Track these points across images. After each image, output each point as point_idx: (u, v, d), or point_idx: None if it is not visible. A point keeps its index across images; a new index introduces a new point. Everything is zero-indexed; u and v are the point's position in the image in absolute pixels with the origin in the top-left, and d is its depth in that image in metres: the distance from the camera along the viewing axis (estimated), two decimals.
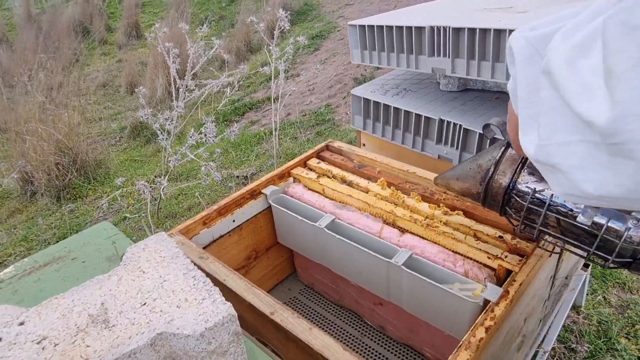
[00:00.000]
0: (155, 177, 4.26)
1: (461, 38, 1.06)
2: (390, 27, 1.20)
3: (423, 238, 0.97)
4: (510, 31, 0.96)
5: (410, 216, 1.00)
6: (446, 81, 1.29)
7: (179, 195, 3.68)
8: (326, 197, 1.14)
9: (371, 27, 1.25)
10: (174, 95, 3.55)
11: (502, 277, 0.88)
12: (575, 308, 1.82)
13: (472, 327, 0.74)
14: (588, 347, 1.66)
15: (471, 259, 0.91)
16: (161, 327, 0.51)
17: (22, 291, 0.72)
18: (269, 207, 1.17)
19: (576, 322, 1.78)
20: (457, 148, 1.18)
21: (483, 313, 0.77)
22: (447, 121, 1.17)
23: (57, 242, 3.66)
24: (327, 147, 1.30)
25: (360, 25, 1.28)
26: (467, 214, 1.00)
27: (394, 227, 1.01)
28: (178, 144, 4.23)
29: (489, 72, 1.03)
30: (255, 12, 9.47)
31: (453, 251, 0.93)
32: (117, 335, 0.51)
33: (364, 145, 1.46)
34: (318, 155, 1.28)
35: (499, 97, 1.26)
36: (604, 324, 1.77)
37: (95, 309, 0.55)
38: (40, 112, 4.75)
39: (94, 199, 4.46)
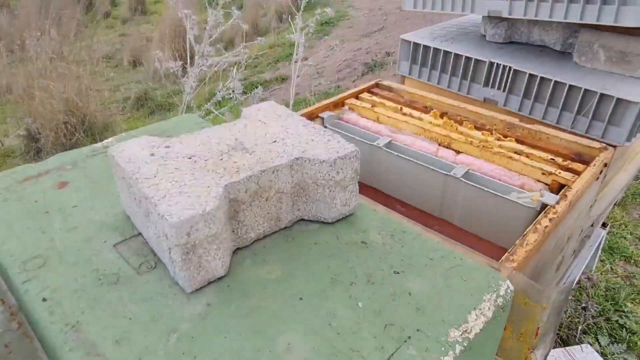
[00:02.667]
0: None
1: None
2: None
3: (478, 158, 1.04)
4: None
5: (465, 139, 1.07)
6: (493, 32, 1.36)
7: None
8: (381, 123, 1.20)
9: None
10: (188, 62, 3.58)
11: (555, 191, 0.95)
12: (586, 274, 1.91)
13: (535, 221, 0.81)
14: (597, 307, 1.75)
15: (526, 175, 0.98)
16: (298, 154, 0.57)
17: None
18: None
19: (588, 280, 1.87)
20: (504, 90, 1.25)
21: (544, 212, 0.84)
22: (497, 63, 1.24)
23: None
24: (377, 85, 1.36)
25: None
26: (519, 141, 1.07)
27: (450, 149, 1.08)
28: (188, 111, 4.25)
29: (547, 11, 1.10)
30: None
31: (508, 169, 1.00)
32: (259, 157, 0.57)
33: None
34: (369, 91, 1.34)
35: (543, 50, 1.33)
36: (611, 290, 1.86)
37: (231, 141, 0.60)
38: (51, 70, 4.73)
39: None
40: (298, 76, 3.57)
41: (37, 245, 0.57)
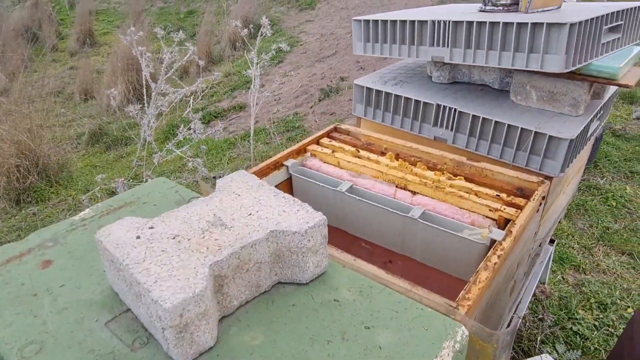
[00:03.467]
0: (126, 178, 4.23)
1: (459, 30, 1.25)
2: (393, 22, 1.38)
3: (432, 198, 1.13)
4: (505, 23, 1.16)
5: (420, 180, 1.16)
6: (438, 74, 1.48)
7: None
8: (342, 168, 1.28)
9: (375, 21, 1.43)
10: (145, 99, 3.58)
11: (502, 226, 1.06)
12: (539, 287, 2.04)
13: (485, 259, 0.90)
14: (553, 317, 1.89)
15: (475, 212, 1.08)
16: (272, 227, 0.64)
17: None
18: (289, 178, 1.30)
19: (542, 292, 2.01)
20: (451, 130, 1.37)
21: (492, 248, 0.93)
22: (444, 106, 1.36)
23: None
24: (335, 129, 1.45)
25: (365, 20, 1.45)
26: (467, 179, 1.17)
27: (406, 190, 1.17)
28: (148, 149, 4.21)
29: (483, 58, 1.22)
30: (216, 25, 9.53)
31: (459, 207, 1.10)
32: (238, 233, 0.63)
33: None
34: (328, 135, 1.42)
35: (483, 89, 1.46)
36: (564, 299, 2.01)
37: (210, 217, 0.66)
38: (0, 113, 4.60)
39: (58, 202, 4.35)
40: (257, 112, 3.64)
41: (31, 331, 0.60)
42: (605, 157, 3.06)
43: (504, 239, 0.94)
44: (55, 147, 5.60)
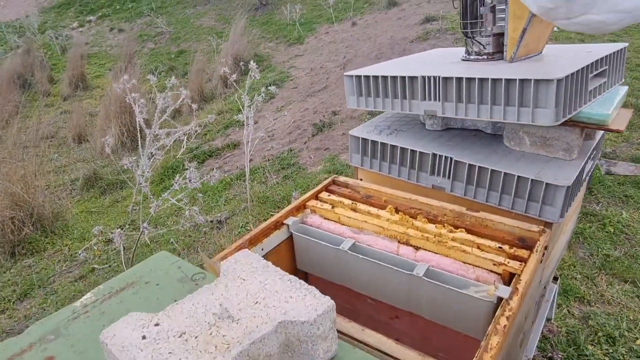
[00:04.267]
0: (122, 226, 4.21)
1: (449, 85, 1.27)
2: (384, 77, 1.41)
3: (436, 253, 1.13)
4: (493, 80, 1.18)
5: (421, 235, 1.16)
6: (431, 122, 1.50)
7: (150, 242, 3.64)
8: (343, 224, 1.28)
9: (367, 77, 1.46)
10: (139, 144, 3.61)
11: (507, 280, 1.05)
12: (547, 325, 2.02)
13: (494, 320, 0.89)
14: (562, 355, 1.86)
15: (479, 267, 1.08)
16: (280, 317, 0.63)
17: (110, 312, 0.80)
18: (290, 237, 1.30)
19: (550, 331, 1.99)
20: (448, 178, 1.38)
21: (500, 308, 0.93)
22: (439, 155, 1.37)
23: (19, 299, 3.48)
24: (333, 182, 1.46)
25: (356, 76, 1.48)
26: (469, 231, 1.17)
27: (409, 246, 1.17)
28: (144, 194, 4.20)
29: (475, 112, 1.24)
30: (207, 63, 9.67)
31: (463, 262, 1.10)
32: (246, 326, 0.62)
33: (361, 179, 1.63)
34: (327, 189, 1.43)
35: (476, 134, 1.48)
36: (571, 334, 1.98)
37: (216, 309, 0.65)
38: None
39: (54, 253, 4.31)
40: (251, 150, 3.65)
41: None
42: (599, 182, 3.09)
43: (510, 297, 0.94)
44: (49, 195, 5.58)
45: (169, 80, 3.82)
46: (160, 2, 16.31)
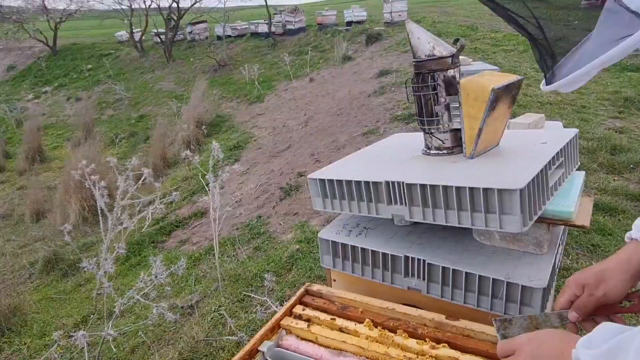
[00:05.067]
0: (87, 317, 3.97)
1: (414, 190, 1.27)
2: (348, 182, 1.40)
3: None
4: (457, 188, 1.18)
5: (404, 356, 1.12)
6: (399, 219, 1.49)
7: (117, 336, 3.43)
8: (320, 345, 1.22)
9: (330, 181, 1.44)
10: (102, 230, 3.47)
11: None
12: None
13: None
14: None
15: None
16: None
17: None
18: None
19: None
20: (423, 279, 1.35)
21: None
22: (412, 257, 1.35)
23: None
24: (306, 292, 1.40)
25: (320, 179, 1.47)
26: (450, 344, 1.14)
27: None
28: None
29: (443, 217, 1.24)
30: (169, 127, 9.62)
31: None
32: None
33: (334, 281, 1.58)
34: (301, 301, 1.37)
35: (446, 227, 1.47)
36: None
37: None
38: None
39: (11, 354, 4.01)
40: (219, 226, 3.57)
41: None
42: (567, 232, 3.15)
43: None
44: (5, 286, 5.25)
45: (130, 161, 3.75)
46: (118, 69, 16.35)
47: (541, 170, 1.19)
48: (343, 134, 6.24)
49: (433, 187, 1.23)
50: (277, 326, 1.29)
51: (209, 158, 7.94)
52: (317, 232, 4.03)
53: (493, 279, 1.23)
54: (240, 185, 6.22)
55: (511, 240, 1.34)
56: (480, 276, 1.25)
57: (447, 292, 1.32)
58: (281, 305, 2.74)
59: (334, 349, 1.21)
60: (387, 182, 1.31)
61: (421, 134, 1.92)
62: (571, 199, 1.28)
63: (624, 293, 0.86)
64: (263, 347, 1.20)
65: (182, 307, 3.32)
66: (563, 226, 1.43)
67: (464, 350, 1.12)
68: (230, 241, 4.43)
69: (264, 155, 6.81)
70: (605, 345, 0.62)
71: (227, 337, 2.73)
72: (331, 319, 1.27)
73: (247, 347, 1.20)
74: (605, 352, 0.61)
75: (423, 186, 1.24)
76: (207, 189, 3.50)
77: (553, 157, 1.28)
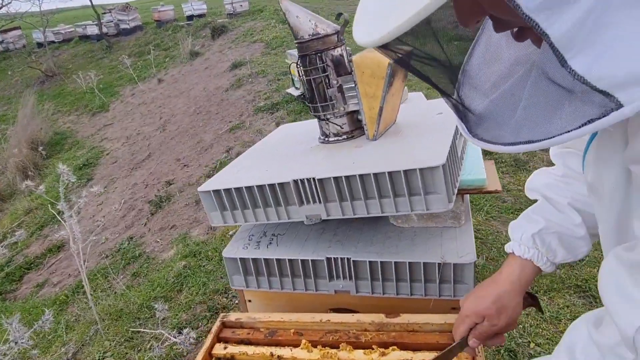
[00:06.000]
0: None
1: (327, 185, 1.13)
2: (249, 188, 1.21)
3: None
4: (375, 175, 1.07)
5: None
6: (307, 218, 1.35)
7: None
8: None
9: (227, 190, 1.23)
10: None
11: None
12: None
13: None
14: None
15: None
16: None
17: None
18: None
19: None
20: (350, 279, 1.24)
21: None
22: (334, 258, 1.22)
23: None
24: (223, 325, 1.19)
25: (214, 191, 1.25)
26: (399, 345, 1.04)
27: None
28: None
29: (364, 209, 1.12)
30: None
31: None
32: None
33: (249, 301, 1.38)
34: (219, 339, 1.16)
35: (358, 218, 1.37)
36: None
37: None
38: None
39: None
40: (81, 250, 3.06)
41: None
42: None
43: None
44: None
45: None
46: None
47: (453, 140, 1.14)
48: (207, 133, 5.89)
49: (348, 178, 1.10)
50: None
51: (53, 183, 6.91)
52: (202, 242, 3.71)
53: (424, 263, 1.16)
54: (99, 207, 5.51)
55: (429, 218, 1.28)
56: (410, 263, 1.17)
57: (378, 286, 1.22)
58: (179, 333, 2.43)
59: None
60: (296, 181, 1.15)
61: (308, 122, 1.80)
62: (479, 166, 1.27)
63: (520, 312, 0.90)
64: None
65: None
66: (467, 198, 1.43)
67: (414, 347, 1.03)
68: (101, 273, 3.87)
69: (122, 169, 6.13)
70: None
71: None
72: (264, 352, 1.08)
73: None
74: None
75: (337, 179, 1.11)
76: (61, 220, 2.95)
77: (456, 127, 1.24)
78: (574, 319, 1.92)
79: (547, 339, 2.12)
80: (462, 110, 0.62)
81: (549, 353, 2.13)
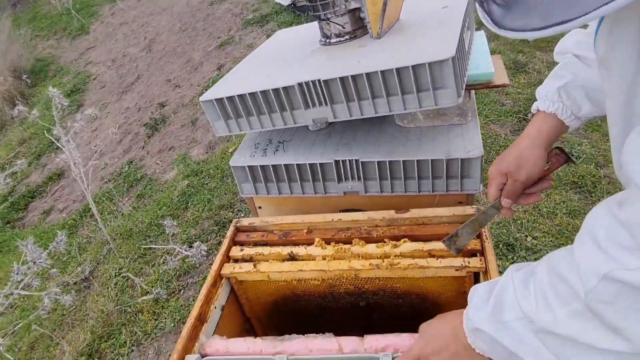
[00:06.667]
0: None
1: (333, 87, 1.11)
2: (253, 94, 1.18)
3: (386, 334, 0.90)
4: (382, 72, 1.05)
5: (369, 264, 1.04)
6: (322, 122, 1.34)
7: (3, 336, 2.95)
8: (272, 280, 1.09)
9: (230, 98, 1.21)
10: None
11: (471, 282, 0.99)
12: None
13: None
14: None
15: (443, 277, 1.00)
16: None
17: None
18: None
19: None
20: (359, 180, 1.26)
21: None
22: (342, 160, 1.23)
23: None
24: (237, 230, 1.23)
25: (217, 99, 1.22)
26: (409, 237, 1.08)
27: (350, 336, 0.92)
28: None
29: (371, 108, 1.11)
30: None
31: (422, 286, 0.99)
32: None
33: (259, 208, 1.42)
34: (235, 242, 1.20)
35: (363, 120, 1.36)
36: None
37: None
38: None
39: None
40: (82, 175, 3.07)
41: None
42: None
43: None
44: None
45: None
46: None
47: (461, 31, 1.10)
48: (196, 51, 5.67)
49: (354, 77, 1.07)
50: (218, 278, 1.11)
51: (44, 111, 6.77)
52: (202, 161, 3.73)
53: (432, 160, 1.17)
54: (94, 133, 5.45)
55: (435, 116, 1.28)
56: (418, 161, 1.18)
57: (387, 186, 1.24)
58: (190, 247, 2.53)
59: (291, 281, 1.09)
60: (300, 85, 1.12)
61: (305, 25, 1.72)
62: (486, 60, 1.24)
63: (543, 165, 0.89)
64: None
65: (74, 284, 2.92)
66: (472, 95, 1.41)
67: (425, 239, 1.08)
68: (106, 196, 3.93)
69: (112, 94, 5.99)
70: (489, 303, 0.65)
71: (142, 298, 2.48)
72: (279, 251, 1.13)
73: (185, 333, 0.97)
74: (492, 308, 0.64)
75: (343, 79, 1.08)
76: (60, 145, 2.92)
77: (463, 20, 1.19)
78: (570, 214, 2.00)
79: (543, 232, 2.21)
80: (485, 1, 0.59)
81: (545, 246, 2.23)
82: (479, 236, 1.04)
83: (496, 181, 0.91)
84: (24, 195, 5.08)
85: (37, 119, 3.58)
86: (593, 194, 2.35)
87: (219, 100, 1.23)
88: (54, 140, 2.99)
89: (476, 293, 0.70)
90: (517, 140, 0.92)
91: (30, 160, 5.67)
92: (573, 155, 2.63)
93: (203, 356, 0.95)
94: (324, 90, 1.11)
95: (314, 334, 0.93)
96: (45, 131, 5.40)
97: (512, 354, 0.62)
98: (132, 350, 2.27)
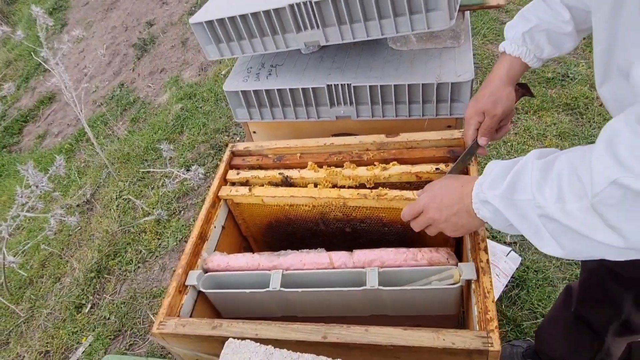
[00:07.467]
0: None
1: (325, 8, 1.09)
2: (243, 16, 1.16)
3: (374, 249, 0.96)
4: None
5: (357, 193, 1.08)
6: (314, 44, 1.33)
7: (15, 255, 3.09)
8: (266, 205, 1.15)
9: (221, 20, 1.19)
10: None
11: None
12: None
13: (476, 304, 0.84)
14: None
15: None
16: None
17: None
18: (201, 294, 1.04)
19: None
20: (351, 104, 1.27)
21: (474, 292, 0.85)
22: (334, 85, 1.24)
23: None
24: (233, 154, 1.27)
25: (207, 22, 1.20)
26: (399, 160, 1.12)
27: (340, 251, 0.99)
28: None
29: (364, 31, 1.10)
30: None
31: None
32: None
33: (254, 132, 1.44)
34: (231, 166, 1.24)
35: (355, 43, 1.35)
36: None
37: None
38: None
39: None
40: (73, 99, 3.06)
41: None
42: None
43: (478, 278, 0.86)
44: None
45: None
46: None
47: None
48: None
49: None
50: (216, 200, 1.17)
51: (27, 30, 6.50)
52: (195, 84, 3.68)
53: (423, 85, 1.18)
54: (82, 54, 5.29)
55: (428, 39, 1.27)
56: (409, 85, 1.19)
57: (378, 110, 1.27)
58: (188, 170, 2.58)
59: (284, 206, 1.15)
60: (291, 6, 1.10)
61: None
62: None
63: (514, 100, 1.00)
64: (192, 281, 1.00)
65: (77, 206, 3.01)
66: (467, 17, 1.38)
67: (413, 162, 1.12)
68: (100, 120, 3.91)
69: (97, 11, 5.72)
70: (505, 181, 0.67)
71: (144, 219, 2.58)
72: (273, 173, 1.17)
73: (174, 284, 0.98)
74: (506, 188, 0.67)
75: (334, 1, 1.06)
76: (49, 68, 2.86)
77: None
78: (559, 135, 2.03)
79: None
80: None
81: None
82: (458, 153, 1.07)
83: (473, 121, 1.00)
84: (17, 119, 5.04)
85: (22, 39, 3.45)
86: (584, 116, 2.38)
87: (210, 23, 1.20)
88: (42, 62, 2.92)
89: (494, 169, 0.72)
90: (487, 80, 1.00)
91: (18, 84, 5.54)
92: (562, 78, 2.62)
93: (205, 271, 1.04)
94: (316, 12, 1.09)
95: (307, 249, 1.01)
96: (32, 52, 5.23)
97: (511, 227, 0.68)
98: (139, 267, 2.41)
